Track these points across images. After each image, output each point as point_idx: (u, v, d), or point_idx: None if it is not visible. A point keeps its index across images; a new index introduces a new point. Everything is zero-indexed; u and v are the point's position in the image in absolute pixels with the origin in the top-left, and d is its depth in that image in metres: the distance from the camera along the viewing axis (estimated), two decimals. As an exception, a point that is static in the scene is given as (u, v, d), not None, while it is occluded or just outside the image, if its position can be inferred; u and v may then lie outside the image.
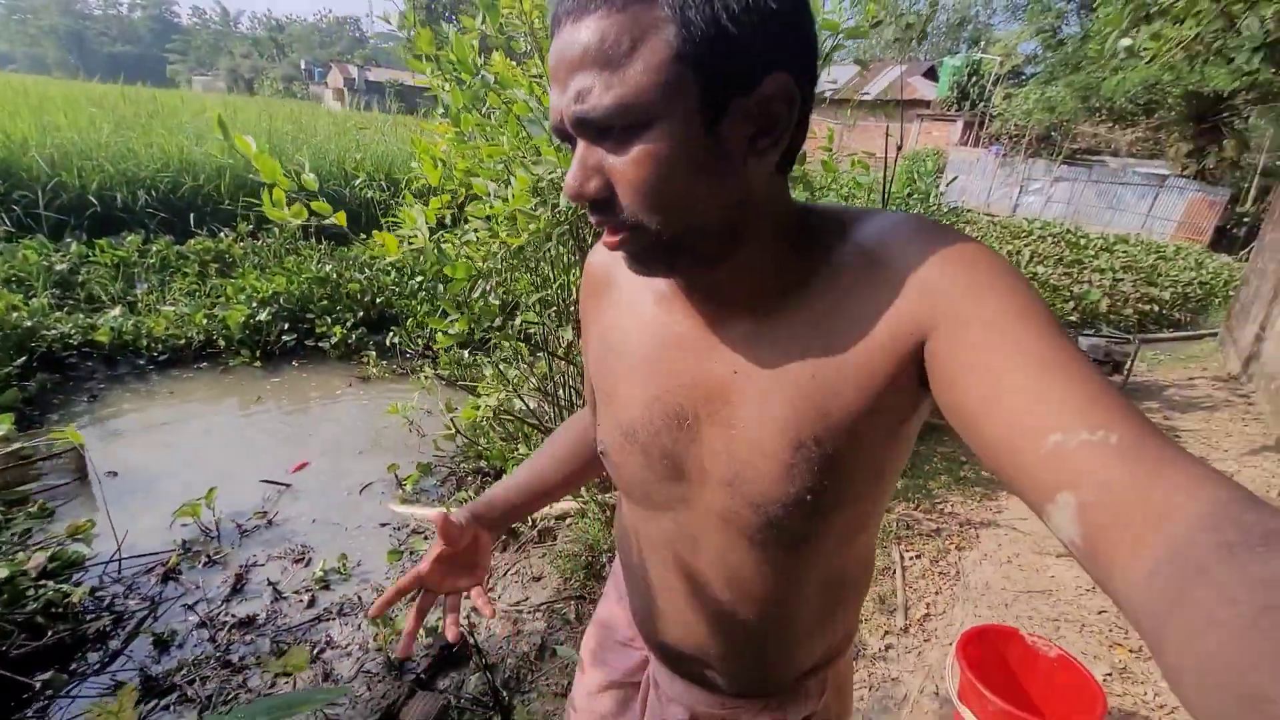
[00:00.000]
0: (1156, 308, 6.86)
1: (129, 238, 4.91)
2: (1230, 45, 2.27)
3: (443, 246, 2.26)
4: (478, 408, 2.50)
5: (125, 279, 4.69)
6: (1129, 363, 4.20)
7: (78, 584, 2.29)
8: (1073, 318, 5.84)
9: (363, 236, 5.53)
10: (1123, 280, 7.16)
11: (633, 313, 0.59)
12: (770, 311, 0.51)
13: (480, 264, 2.36)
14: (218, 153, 5.88)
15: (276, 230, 5.52)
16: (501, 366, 2.98)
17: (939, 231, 0.47)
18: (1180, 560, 0.28)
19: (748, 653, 0.63)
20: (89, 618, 2.19)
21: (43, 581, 2.22)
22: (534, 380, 2.88)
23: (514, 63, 2.43)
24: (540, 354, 2.82)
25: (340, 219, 2.22)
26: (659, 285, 0.57)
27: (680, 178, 0.43)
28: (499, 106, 2.29)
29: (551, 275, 2.60)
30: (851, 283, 0.48)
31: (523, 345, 2.91)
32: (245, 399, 3.99)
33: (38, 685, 1.77)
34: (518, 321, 2.46)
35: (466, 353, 4.17)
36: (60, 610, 2.15)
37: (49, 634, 2.02)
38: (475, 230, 2.42)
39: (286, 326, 4.61)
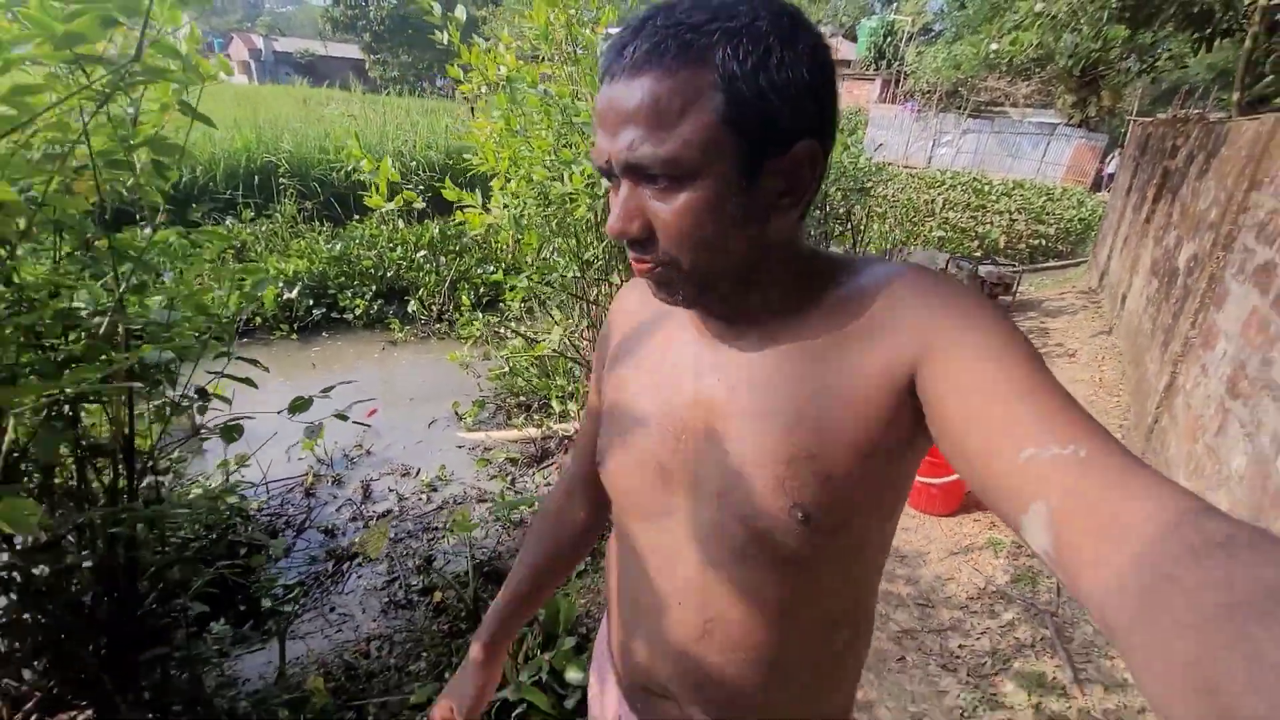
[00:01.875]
0: (1044, 241, 8.20)
1: (143, 232, 5.24)
2: (1056, 53, 3.20)
3: (516, 219, 2.98)
4: (541, 343, 3.24)
5: (151, 271, 5.08)
6: (1015, 285, 5.35)
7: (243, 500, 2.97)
8: (977, 253, 7.01)
9: (356, 220, 6.00)
10: (1017, 220, 8.44)
11: (650, 334, 0.64)
12: (772, 338, 0.55)
13: (533, 232, 3.10)
14: (204, 144, 6.15)
15: (278, 215, 5.94)
16: (555, 313, 3.71)
17: (934, 279, 0.51)
18: (1147, 566, 0.30)
19: (721, 689, 0.61)
20: (266, 520, 2.88)
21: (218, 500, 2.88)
22: (583, 323, 3.63)
23: (522, 62, 3.10)
24: (579, 302, 3.57)
25: (416, 199, 2.90)
26: (678, 311, 0.61)
27: (715, 226, 0.48)
28: (538, 107, 2.97)
29: (592, 239, 3.33)
30: (850, 318, 0.52)
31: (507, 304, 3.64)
32: (300, 366, 4.58)
33: (281, 541, 2.48)
34: (569, 275, 3.21)
35: (480, 314, 4.89)
36: (244, 516, 2.82)
37: (249, 529, 2.71)
38: (524, 205, 3.13)
39: (313, 302, 5.15)
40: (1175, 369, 2.29)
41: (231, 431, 1.89)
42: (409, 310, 5.24)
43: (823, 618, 0.59)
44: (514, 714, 1.57)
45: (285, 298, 5.00)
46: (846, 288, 0.53)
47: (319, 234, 5.93)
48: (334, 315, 5.24)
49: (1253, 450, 1.60)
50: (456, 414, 3.94)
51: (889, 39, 17.94)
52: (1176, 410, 2.25)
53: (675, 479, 0.58)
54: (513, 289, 3.07)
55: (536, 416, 3.79)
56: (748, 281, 0.53)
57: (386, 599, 2.36)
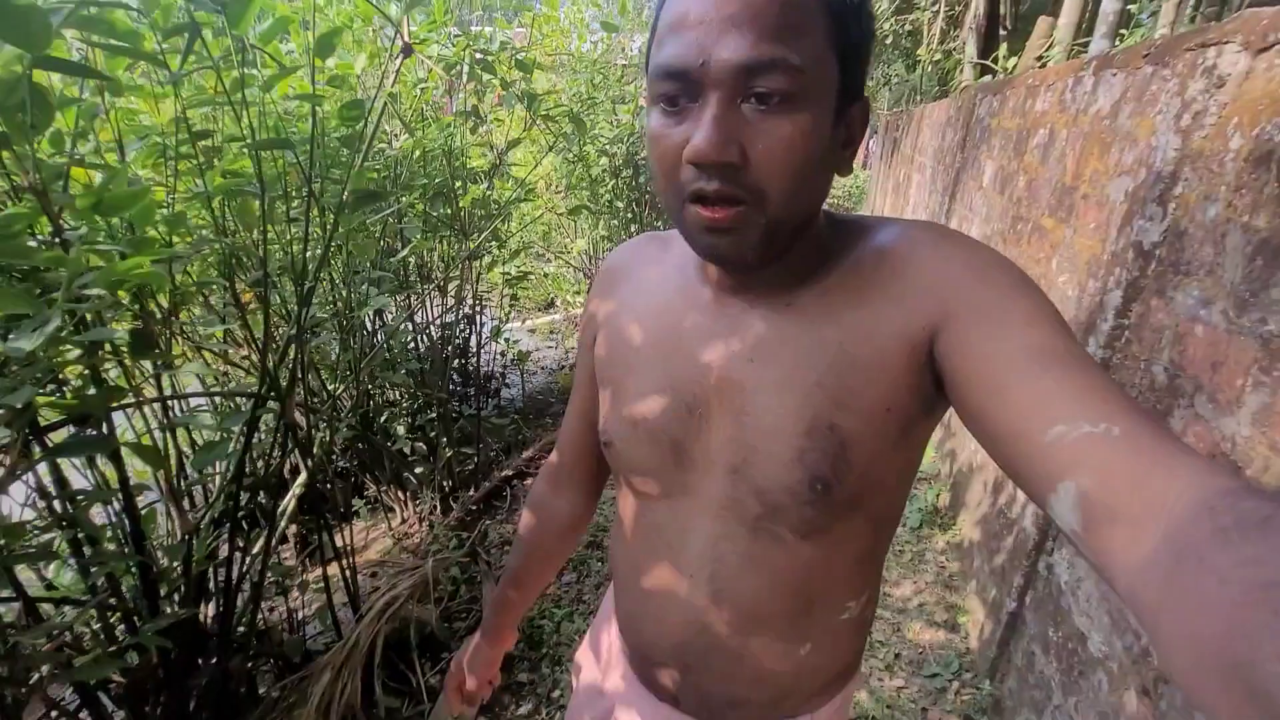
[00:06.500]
0: (835, 201, 11.58)
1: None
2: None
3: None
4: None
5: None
6: (825, 218, 8.24)
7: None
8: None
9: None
10: (818, 187, 11.71)
11: (649, 305, 0.61)
12: (790, 304, 0.53)
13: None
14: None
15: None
16: (583, 225, 5.55)
17: (953, 236, 0.50)
18: (1177, 547, 0.29)
19: (727, 656, 0.61)
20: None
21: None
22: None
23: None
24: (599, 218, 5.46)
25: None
26: (681, 277, 0.59)
27: (812, 160, 0.45)
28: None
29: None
30: (868, 280, 0.51)
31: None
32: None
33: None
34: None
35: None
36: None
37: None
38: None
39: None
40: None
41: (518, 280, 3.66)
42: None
43: (833, 587, 0.59)
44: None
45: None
46: (862, 248, 0.52)
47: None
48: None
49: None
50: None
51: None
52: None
53: (688, 454, 0.58)
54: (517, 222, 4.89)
55: (554, 309, 5.65)
56: (798, 234, 0.50)
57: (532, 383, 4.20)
